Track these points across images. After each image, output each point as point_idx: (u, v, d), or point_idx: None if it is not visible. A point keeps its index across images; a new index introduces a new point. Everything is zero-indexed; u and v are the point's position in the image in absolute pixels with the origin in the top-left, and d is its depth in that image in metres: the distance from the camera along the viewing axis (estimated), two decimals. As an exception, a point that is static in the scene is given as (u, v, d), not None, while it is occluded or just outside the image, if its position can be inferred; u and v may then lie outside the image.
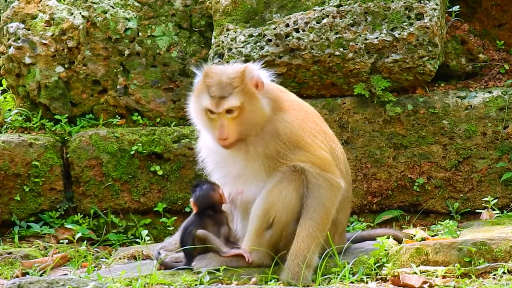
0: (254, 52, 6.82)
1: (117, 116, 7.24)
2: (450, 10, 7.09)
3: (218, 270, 5.32)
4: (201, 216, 5.49)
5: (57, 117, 7.18)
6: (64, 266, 6.12)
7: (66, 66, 7.23)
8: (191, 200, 5.57)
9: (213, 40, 7.06)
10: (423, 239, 5.92)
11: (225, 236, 5.48)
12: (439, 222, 6.44)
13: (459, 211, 6.80)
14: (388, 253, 5.41)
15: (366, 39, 6.75)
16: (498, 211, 6.41)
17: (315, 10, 6.87)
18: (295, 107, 5.61)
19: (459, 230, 6.22)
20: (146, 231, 6.30)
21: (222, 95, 5.36)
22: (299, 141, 5.44)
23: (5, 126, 7.27)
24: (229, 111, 5.37)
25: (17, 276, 5.68)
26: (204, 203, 5.51)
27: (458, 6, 7.09)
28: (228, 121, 5.37)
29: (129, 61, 7.27)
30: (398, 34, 6.72)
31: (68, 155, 7.00)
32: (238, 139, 5.40)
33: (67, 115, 7.20)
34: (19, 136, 7.01)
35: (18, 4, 7.36)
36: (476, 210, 6.70)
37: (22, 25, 7.26)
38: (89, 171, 6.99)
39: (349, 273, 5.24)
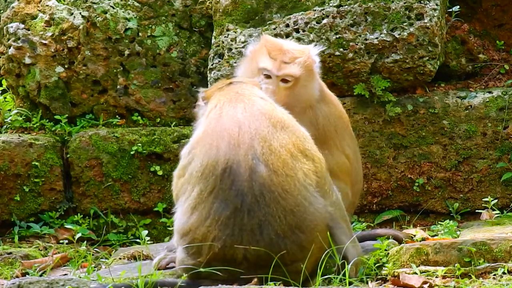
0: (254, 52, 6.82)
1: (117, 116, 7.24)
2: (450, 10, 7.09)
3: (218, 270, 5.31)
4: None
5: (57, 117, 7.17)
6: (64, 266, 6.12)
7: (66, 66, 7.22)
8: None
9: (213, 40, 7.06)
10: (423, 239, 5.91)
11: None
12: (439, 222, 6.43)
13: (459, 211, 6.80)
14: (388, 253, 5.40)
15: (366, 39, 6.75)
16: (498, 211, 6.41)
17: (315, 11, 6.86)
18: (335, 102, 5.60)
19: (459, 230, 6.21)
20: (146, 231, 6.28)
21: (284, 60, 5.31)
22: (329, 138, 5.40)
23: (5, 126, 7.27)
24: (284, 80, 5.31)
25: (17, 276, 5.68)
26: None
27: (458, 7, 7.09)
28: (280, 89, 5.31)
29: (129, 61, 7.26)
30: (398, 34, 6.72)
31: (68, 155, 7.00)
32: None
33: (67, 115, 7.19)
34: (19, 136, 7.01)
35: (18, 4, 7.36)
36: (476, 210, 6.70)
37: (22, 25, 7.26)
38: (89, 171, 6.98)
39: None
